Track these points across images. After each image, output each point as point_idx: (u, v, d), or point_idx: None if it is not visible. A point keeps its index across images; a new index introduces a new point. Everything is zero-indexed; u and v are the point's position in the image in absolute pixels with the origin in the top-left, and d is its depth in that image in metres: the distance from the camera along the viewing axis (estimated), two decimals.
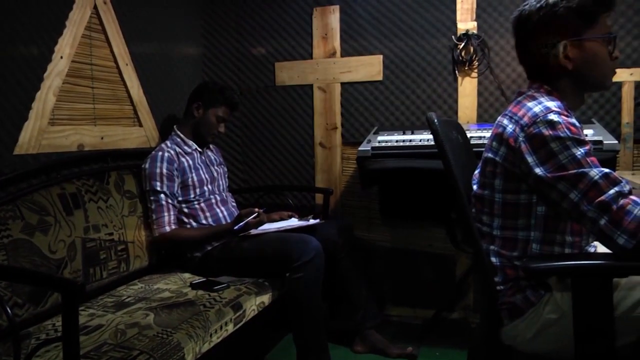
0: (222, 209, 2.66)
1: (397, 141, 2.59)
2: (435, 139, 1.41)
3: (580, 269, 1.22)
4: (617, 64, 1.46)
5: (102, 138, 2.45)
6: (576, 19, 1.37)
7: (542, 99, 1.34)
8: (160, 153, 2.50)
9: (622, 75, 2.75)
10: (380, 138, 2.67)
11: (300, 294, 2.25)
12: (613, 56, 1.42)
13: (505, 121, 1.39)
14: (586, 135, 2.30)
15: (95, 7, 2.40)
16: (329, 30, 3.19)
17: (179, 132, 2.66)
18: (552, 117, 1.27)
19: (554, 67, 1.41)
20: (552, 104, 1.31)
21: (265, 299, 2.27)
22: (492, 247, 1.43)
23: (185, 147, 2.62)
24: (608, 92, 2.77)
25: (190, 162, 2.59)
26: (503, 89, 2.90)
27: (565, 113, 1.30)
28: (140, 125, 2.71)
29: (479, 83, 2.96)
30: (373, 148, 2.57)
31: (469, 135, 2.42)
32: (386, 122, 3.11)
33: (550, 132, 1.26)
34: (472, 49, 2.92)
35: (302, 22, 3.24)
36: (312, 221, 2.62)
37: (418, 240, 3.09)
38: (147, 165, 2.49)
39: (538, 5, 1.40)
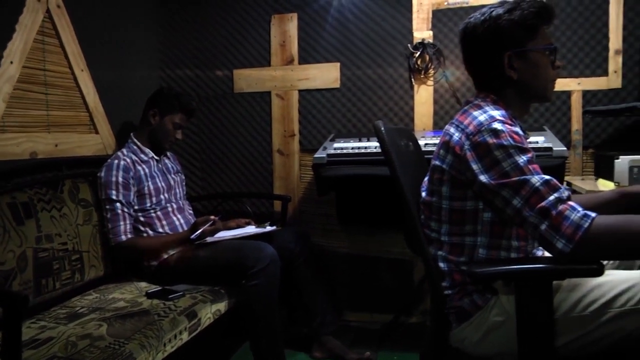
0: (179, 217, 2.64)
1: (352, 148, 2.62)
2: (382, 147, 1.44)
3: (522, 273, 1.26)
4: (559, 73, 1.52)
5: (56, 145, 2.41)
6: (519, 31, 1.42)
7: (487, 108, 1.39)
8: (116, 161, 2.47)
9: (571, 84, 2.85)
10: (336, 145, 2.69)
11: (255, 302, 2.25)
12: (555, 65, 1.48)
13: (452, 129, 1.43)
14: (536, 142, 2.41)
15: (48, 11, 2.35)
16: (287, 38, 3.20)
17: (135, 140, 2.63)
18: (496, 125, 1.31)
19: (499, 77, 1.46)
20: (497, 113, 1.35)
21: (221, 307, 2.26)
22: (440, 252, 1.47)
23: (142, 155, 2.60)
24: (559, 101, 2.86)
25: (147, 170, 2.57)
26: (458, 96, 2.96)
27: (509, 122, 1.34)
28: (97, 132, 2.67)
29: (435, 91, 3.02)
30: (329, 155, 2.58)
31: (424, 142, 2.46)
32: (343, 130, 3.14)
33: (494, 141, 1.30)
34: (427, 58, 2.98)
35: (260, 29, 3.25)
36: (268, 228, 2.63)
37: (376, 245, 3.12)
38: (102, 174, 2.45)
39: (482, 18, 1.45)
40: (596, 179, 2.43)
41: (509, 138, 1.30)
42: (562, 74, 2.84)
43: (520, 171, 1.27)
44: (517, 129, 1.34)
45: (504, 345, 1.35)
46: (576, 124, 2.87)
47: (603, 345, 1.30)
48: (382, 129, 1.44)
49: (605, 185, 2.20)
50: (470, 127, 1.35)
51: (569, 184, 2.50)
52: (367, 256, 3.15)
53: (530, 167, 1.28)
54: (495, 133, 1.30)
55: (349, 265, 3.18)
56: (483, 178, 1.31)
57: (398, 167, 1.41)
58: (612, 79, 2.82)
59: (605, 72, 2.83)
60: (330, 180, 2.56)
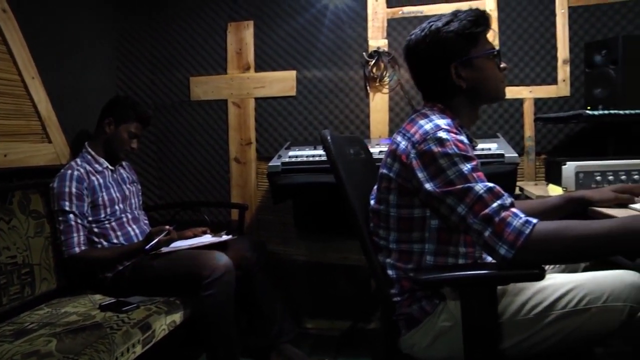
0: (134, 227, 2.60)
1: (307, 156, 2.62)
2: (327, 156, 1.45)
3: (465, 279, 1.29)
4: (506, 74, 1.56)
5: (5, 155, 2.33)
6: (460, 41, 1.46)
7: (433, 117, 1.41)
8: (69, 172, 2.42)
9: (523, 92, 2.93)
10: (291, 153, 2.69)
11: (211, 312, 2.23)
12: (501, 68, 1.52)
13: (399, 138, 1.45)
14: (489, 149, 2.45)
15: None
16: (243, 46, 3.20)
17: (89, 149, 2.58)
18: (441, 134, 1.33)
19: (448, 88, 1.49)
20: (442, 122, 1.37)
21: (177, 318, 2.23)
22: (388, 260, 1.48)
23: (96, 165, 2.55)
24: (511, 108, 2.93)
25: (101, 180, 2.52)
26: (413, 104, 2.99)
27: (455, 130, 1.37)
28: (50, 141, 2.60)
29: (390, 99, 3.06)
30: (283, 163, 2.58)
31: (379, 150, 2.49)
32: (300, 137, 3.14)
33: (439, 149, 1.32)
34: (382, 66, 3.01)
35: (217, 36, 3.24)
36: (224, 237, 2.61)
37: (333, 252, 3.13)
38: (55, 184, 2.40)
39: (422, 34, 1.49)
40: (547, 184, 2.49)
41: (453, 147, 1.32)
42: (515, 83, 2.93)
43: (464, 179, 1.29)
44: (462, 138, 1.37)
45: (453, 350, 1.36)
46: (529, 130, 2.94)
47: (547, 346, 1.35)
48: (329, 138, 1.45)
49: (554, 190, 2.25)
50: (416, 136, 1.37)
51: (521, 189, 2.55)
52: (325, 263, 3.15)
53: (474, 175, 1.30)
54: (440, 142, 1.33)
55: (307, 272, 3.19)
56: (428, 186, 1.33)
57: (344, 175, 1.42)
58: (561, 87, 2.91)
59: (554, 81, 2.92)
60: (285, 189, 2.56)
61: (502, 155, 2.41)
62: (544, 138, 2.94)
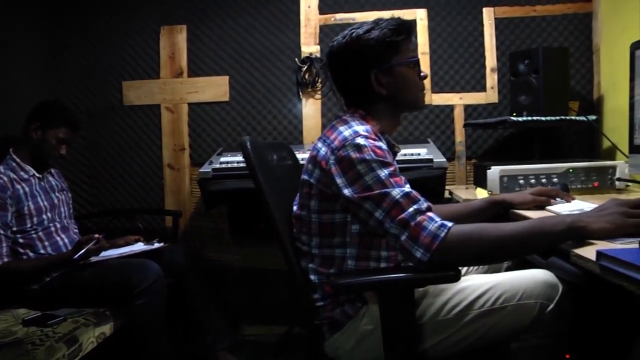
0: (63, 236, 2.51)
1: (238, 162, 2.61)
2: (246, 162, 1.44)
3: (382, 283, 1.30)
4: (424, 83, 1.59)
5: None
6: (380, 49, 1.48)
7: (352, 123, 1.42)
8: None
9: (453, 99, 3.02)
10: (222, 159, 2.68)
11: (141, 321, 2.19)
12: (421, 76, 1.55)
13: (320, 144, 1.45)
14: (418, 154, 2.50)
15: None
16: (176, 50, 3.16)
17: (14, 156, 2.46)
18: (360, 140, 1.35)
19: (369, 94, 1.51)
20: (361, 128, 1.39)
21: (106, 329, 2.16)
22: (311, 265, 1.48)
23: (22, 173, 2.44)
24: (442, 114, 3.01)
25: (27, 189, 2.41)
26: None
27: (373, 137, 1.38)
28: None
29: (323, 104, 3.08)
30: (214, 169, 2.56)
31: (307, 156, 2.49)
32: (233, 143, 3.12)
33: (357, 155, 1.33)
34: (315, 72, 3.03)
35: (150, 40, 3.19)
36: (156, 245, 2.56)
37: (269, 258, 3.11)
38: None
39: (344, 41, 1.50)
40: (475, 188, 2.55)
41: (371, 152, 1.34)
42: (445, 90, 3.01)
43: (381, 184, 1.31)
44: (381, 144, 1.39)
45: (376, 352, 1.38)
46: (459, 136, 3.02)
47: (466, 344, 1.39)
48: (248, 144, 1.44)
49: (481, 194, 2.31)
50: (336, 142, 1.38)
51: (450, 192, 2.61)
52: (261, 269, 3.14)
53: (391, 180, 1.32)
54: (359, 148, 1.34)
55: (244, 279, 3.16)
56: (347, 192, 1.34)
57: (263, 181, 1.42)
58: (490, 94, 3.00)
59: (483, 88, 3.02)
60: (217, 195, 2.54)
61: (431, 160, 2.47)
62: (474, 143, 3.02)
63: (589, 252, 1.07)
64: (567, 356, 1.55)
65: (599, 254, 1.00)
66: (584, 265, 1.08)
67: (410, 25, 1.54)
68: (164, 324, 2.24)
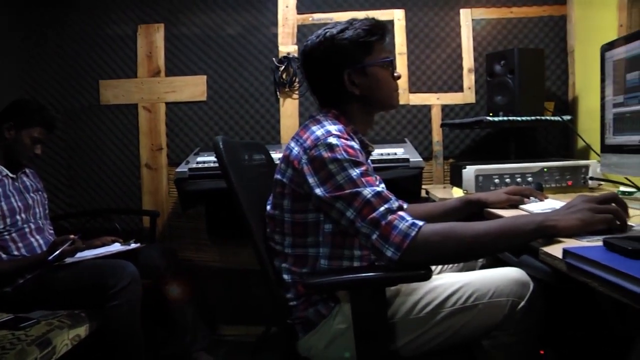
0: (38, 238, 2.47)
1: (215, 162, 2.58)
2: (219, 162, 1.44)
3: (353, 282, 1.31)
4: (398, 83, 1.60)
5: None
6: (354, 49, 1.49)
7: (325, 123, 1.43)
8: None
9: (431, 99, 3.04)
10: (199, 159, 2.66)
11: (117, 323, 2.16)
12: (395, 76, 1.56)
13: (292, 144, 1.46)
14: (395, 154, 2.51)
15: None
16: (153, 49, 3.14)
17: None
18: (332, 140, 1.35)
19: (342, 94, 1.52)
20: (334, 128, 1.39)
21: (81, 331, 2.13)
22: (284, 264, 1.48)
23: None
24: (420, 114, 3.02)
25: (0, 189, 2.39)
26: None
27: (346, 136, 1.39)
28: None
29: (300, 104, 3.09)
30: (190, 169, 2.55)
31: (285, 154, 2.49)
32: (210, 143, 3.10)
33: (329, 155, 1.34)
34: (292, 71, 3.03)
35: (127, 39, 3.17)
36: (133, 245, 2.54)
37: (247, 258, 3.09)
38: None
39: (317, 40, 1.51)
40: (452, 187, 2.57)
41: (343, 152, 1.34)
42: (423, 90, 3.02)
43: (353, 184, 1.31)
44: (353, 144, 1.39)
45: (348, 350, 1.38)
46: (436, 135, 3.04)
47: (439, 342, 1.40)
48: (220, 144, 1.44)
49: (457, 193, 2.33)
50: (308, 142, 1.39)
51: (427, 192, 2.63)
52: (240, 269, 3.13)
53: (363, 179, 1.32)
54: (331, 147, 1.34)
55: (222, 279, 3.15)
56: (318, 191, 1.34)
57: (236, 182, 1.42)
58: (467, 95, 3.03)
59: (460, 89, 3.04)
60: (193, 195, 2.53)
61: (407, 160, 2.49)
62: (451, 143, 3.04)
63: (557, 250, 1.08)
64: (542, 352, 1.57)
65: (565, 252, 1.01)
66: (552, 263, 1.09)
67: (384, 26, 1.55)
68: (140, 325, 2.22)
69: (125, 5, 3.17)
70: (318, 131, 1.39)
